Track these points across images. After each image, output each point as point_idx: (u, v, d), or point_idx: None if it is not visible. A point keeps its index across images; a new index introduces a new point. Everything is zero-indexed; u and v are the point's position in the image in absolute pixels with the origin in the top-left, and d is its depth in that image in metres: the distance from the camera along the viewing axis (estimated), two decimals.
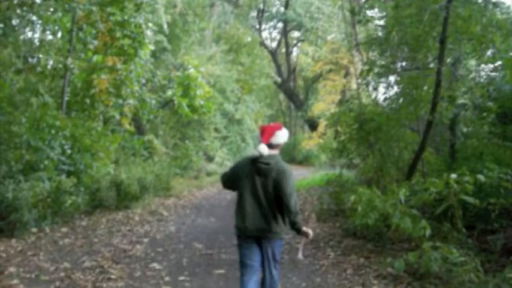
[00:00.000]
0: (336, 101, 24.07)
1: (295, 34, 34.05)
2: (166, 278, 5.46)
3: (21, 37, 11.00)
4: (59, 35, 11.47)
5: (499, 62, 8.46)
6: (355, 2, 13.44)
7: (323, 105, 25.83)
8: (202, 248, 7.01)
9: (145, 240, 7.47)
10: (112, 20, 10.77)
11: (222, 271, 5.78)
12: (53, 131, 8.70)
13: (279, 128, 3.85)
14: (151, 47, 12.48)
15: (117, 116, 12.31)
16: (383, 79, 10.13)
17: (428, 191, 5.95)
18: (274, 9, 31.96)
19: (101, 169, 9.91)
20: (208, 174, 18.28)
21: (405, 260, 5.34)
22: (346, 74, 25.72)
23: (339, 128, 10.57)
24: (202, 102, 15.82)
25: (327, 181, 11.37)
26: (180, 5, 17.33)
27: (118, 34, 10.95)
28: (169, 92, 15.51)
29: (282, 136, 3.84)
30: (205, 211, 10.72)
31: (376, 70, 9.41)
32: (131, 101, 11.92)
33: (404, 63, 9.64)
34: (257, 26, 31.82)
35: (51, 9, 10.28)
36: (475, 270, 4.74)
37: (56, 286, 5.04)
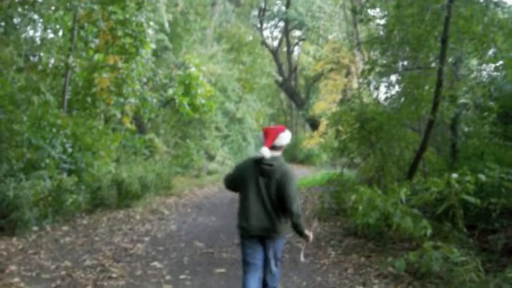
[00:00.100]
0: (337, 100, 24.05)
1: (297, 33, 34.00)
2: (167, 277, 5.46)
3: (23, 35, 10.99)
4: (61, 33, 11.48)
5: (501, 62, 8.46)
6: (357, 1, 13.44)
7: (324, 104, 25.80)
8: (203, 247, 7.01)
9: (146, 239, 7.47)
10: (113, 19, 10.78)
11: (223, 270, 5.78)
12: (54, 130, 8.72)
13: (282, 130, 3.88)
14: (153, 46, 12.48)
15: (118, 115, 12.31)
16: (384, 78, 10.12)
17: (429, 191, 5.96)
18: (275, 8, 31.91)
19: (102, 168, 9.92)
20: (209, 173, 18.28)
21: (406, 259, 5.34)
22: (348, 73, 25.69)
23: (340, 128, 10.57)
24: (203, 101, 15.83)
25: (328, 180, 11.39)
26: (181, 3, 17.34)
27: (119, 33, 10.96)
28: (170, 91, 15.51)
29: (285, 138, 3.87)
30: (206, 210, 10.72)
31: (377, 69, 9.41)
32: (132, 100, 11.93)
33: (405, 63, 9.64)
34: (258, 25, 31.78)
35: (53, 8, 10.29)
36: (476, 270, 4.73)
37: (57, 284, 5.04)
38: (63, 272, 5.44)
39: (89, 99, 11.08)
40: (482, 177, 5.67)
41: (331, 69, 26.53)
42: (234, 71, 20.79)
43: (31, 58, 11.09)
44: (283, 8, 30.08)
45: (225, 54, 21.25)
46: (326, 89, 26.93)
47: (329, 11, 26.17)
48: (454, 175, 5.70)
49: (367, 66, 9.65)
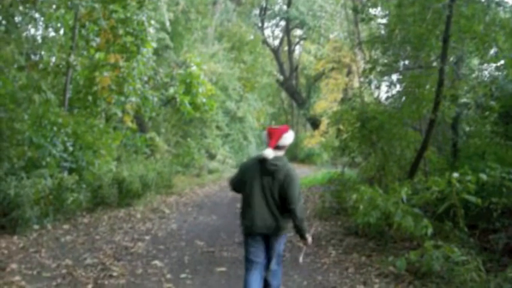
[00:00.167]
0: (338, 100, 24.09)
1: (298, 32, 33.99)
2: (168, 276, 5.46)
3: (24, 34, 10.98)
4: (62, 32, 11.49)
5: (502, 61, 8.44)
6: (358, 0, 13.43)
7: (325, 103, 25.83)
8: (203, 246, 7.02)
9: (147, 237, 7.48)
10: (114, 18, 10.78)
11: (223, 269, 5.78)
12: (55, 128, 8.71)
13: (286, 131, 3.91)
14: (154, 45, 12.48)
15: (119, 114, 12.30)
16: (385, 78, 10.13)
17: (430, 190, 5.96)
18: (276, 7, 31.90)
19: (103, 166, 9.92)
20: (210, 172, 18.28)
21: (407, 258, 5.34)
22: (349, 73, 25.72)
23: (341, 127, 10.57)
24: (204, 100, 15.82)
25: (329, 179, 11.40)
26: (182, 2, 17.32)
27: (120, 31, 10.95)
28: (171, 90, 15.50)
29: (288, 138, 3.90)
30: (207, 209, 10.73)
31: (378, 69, 9.41)
32: (133, 99, 11.93)
33: (407, 62, 9.64)
34: (259, 24, 31.79)
35: (54, 7, 10.29)
36: (476, 269, 4.73)
37: (58, 283, 5.05)
38: (64, 271, 5.44)
39: (90, 97, 11.07)
40: (483, 176, 5.67)
41: (332, 69, 26.56)
42: (235, 70, 20.78)
43: (32, 57, 11.10)
44: (285, 7, 30.08)
45: (226, 53, 21.25)
46: (327, 88, 26.97)
47: (330, 10, 26.18)
48: (455, 174, 5.70)
49: (368, 66, 9.65)
